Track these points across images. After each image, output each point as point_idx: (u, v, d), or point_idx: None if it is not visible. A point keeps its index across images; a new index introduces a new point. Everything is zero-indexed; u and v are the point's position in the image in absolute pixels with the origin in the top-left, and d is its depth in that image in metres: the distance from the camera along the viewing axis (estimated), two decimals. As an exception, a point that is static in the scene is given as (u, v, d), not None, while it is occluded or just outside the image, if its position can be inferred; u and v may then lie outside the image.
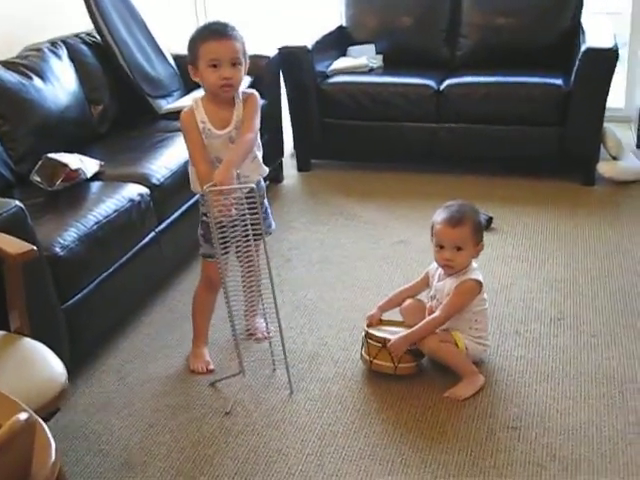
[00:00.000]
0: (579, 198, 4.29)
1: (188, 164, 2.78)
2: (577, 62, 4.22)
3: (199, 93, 2.86)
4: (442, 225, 2.68)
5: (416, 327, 2.70)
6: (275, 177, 4.67)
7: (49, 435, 1.37)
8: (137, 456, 2.46)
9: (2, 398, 1.38)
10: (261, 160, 2.81)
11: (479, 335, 2.74)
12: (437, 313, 2.68)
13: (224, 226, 2.58)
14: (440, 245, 2.69)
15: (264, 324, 2.86)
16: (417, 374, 2.75)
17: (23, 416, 1.18)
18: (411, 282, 2.95)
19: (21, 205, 2.46)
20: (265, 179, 2.89)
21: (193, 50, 2.63)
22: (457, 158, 4.66)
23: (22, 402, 1.39)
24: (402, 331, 2.75)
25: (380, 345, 2.70)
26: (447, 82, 4.54)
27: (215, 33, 2.61)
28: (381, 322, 2.88)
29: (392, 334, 2.74)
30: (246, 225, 2.60)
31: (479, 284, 2.68)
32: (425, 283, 2.87)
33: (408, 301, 2.88)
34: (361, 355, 2.81)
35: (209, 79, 2.62)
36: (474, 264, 2.73)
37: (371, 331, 2.76)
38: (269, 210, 2.94)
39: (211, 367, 2.89)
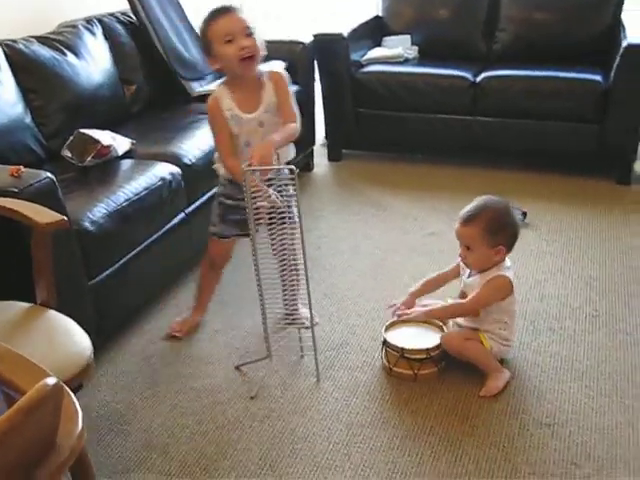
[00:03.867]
0: (615, 197, 4.20)
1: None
2: (617, 58, 4.13)
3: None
4: (457, 221, 2.60)
5: (441, 306, 2.68)
6: (305, 166, 4.62)
7: (76, 403, 1.31)
8: (159, 438, 2.42)
9: (29, 364, 1.33)
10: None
11: (506, 338, 2.65)
12: (464, 301, 2.63)
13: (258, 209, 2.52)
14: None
15: (307, 313, 2.74)
16: (438, 379, 2.65)
17: (51, 381, 1.14)
18: (443, 270, 2.86)
19: (52, 176, 2.42)
20: (296, 167, 2.82)
21: (205, 37, 2.60)
22: (491, 151, 4.58)
23: (47, 373, 1.34)
24: (423, 334, 2.71)
25: (398, 354, 2.64)
26: (484, 74, 4.45)
27: (220, 11, 2.58)
28: (402, 322, 2.79)
29: (411, 338, 2.68)
30: (282, 208, 2.54)
31: (510, 283, 2.58)
32: (456, 272, 2.78)
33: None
34: (382, 360, 2.75)
35: (228, 55, 2.54)
36: (508, 262, 2.63)
37: (389, 339, 2.69)
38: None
39: (180, 335, 2.95)
